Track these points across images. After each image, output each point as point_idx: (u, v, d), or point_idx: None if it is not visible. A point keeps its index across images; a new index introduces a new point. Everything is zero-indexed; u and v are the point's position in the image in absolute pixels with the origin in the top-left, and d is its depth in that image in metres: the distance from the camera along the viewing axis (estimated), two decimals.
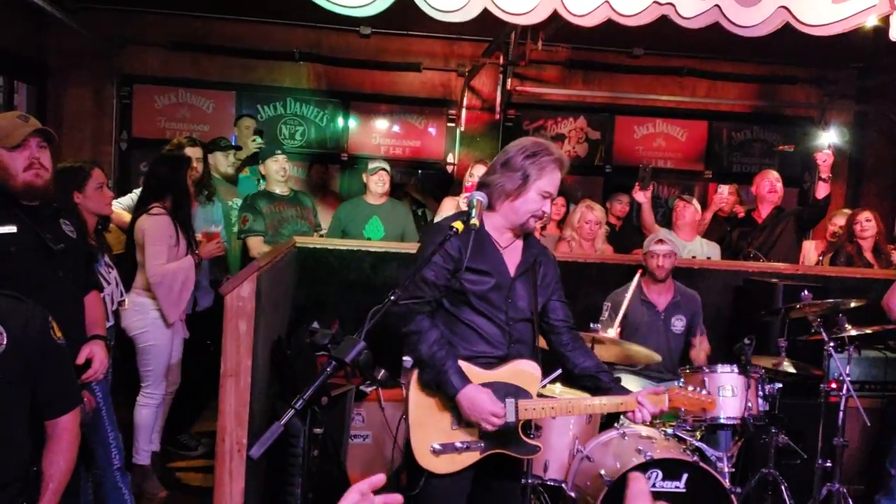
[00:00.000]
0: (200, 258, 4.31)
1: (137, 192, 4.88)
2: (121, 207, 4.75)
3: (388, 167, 5.34)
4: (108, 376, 3.22)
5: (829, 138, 5.70)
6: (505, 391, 2.63)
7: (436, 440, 2.60)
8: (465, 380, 2.56)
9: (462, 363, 2.62)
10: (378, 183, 5.27)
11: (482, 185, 2.76)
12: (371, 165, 5.34)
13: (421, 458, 2.60)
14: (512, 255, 2.75)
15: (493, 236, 2.73)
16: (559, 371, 3.40)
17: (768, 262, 5.21)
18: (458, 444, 2.61)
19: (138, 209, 4.26)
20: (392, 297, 2.17)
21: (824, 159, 5.09)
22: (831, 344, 3.80)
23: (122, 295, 3.92)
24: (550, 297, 2.83)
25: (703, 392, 2.93)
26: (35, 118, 2.92)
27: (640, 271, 4.39)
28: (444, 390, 2.57)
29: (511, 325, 2.71)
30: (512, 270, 2.73)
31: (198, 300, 4.70)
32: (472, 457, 2.64)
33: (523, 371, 2.69)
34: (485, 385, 2.60)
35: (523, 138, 2.81)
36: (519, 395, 2.64)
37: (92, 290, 3.18)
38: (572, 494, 3.56)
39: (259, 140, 5.87)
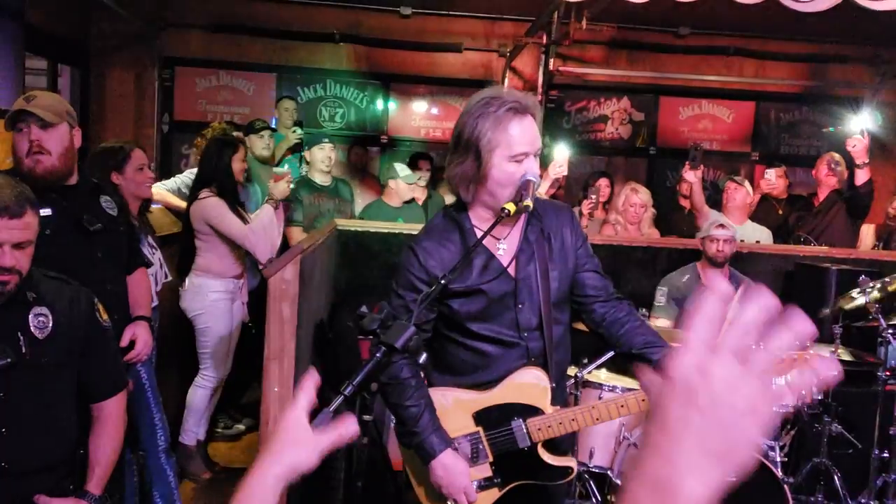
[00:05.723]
0: (277, 202, 4.27)
1: (182, 175, 4.92)
2: (165, 189, 4.77)
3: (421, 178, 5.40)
4: (152, 357, 3.22)
5: (860, 123, 5.45)
6: (510, 413, 2.17)
7: None
8: (445, 441, 2.12)
9: (447, 391, 2.20)
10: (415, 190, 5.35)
11: (448, 181, 2.23)
12: (403, 173, 5.26)
13: None
14: (511, 246, 2.19)
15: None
16: (611, 353, 3.17)
17: (818, 246, 5.05)
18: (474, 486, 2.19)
19: (191, 196, 4.30)
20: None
21: (854, 145, 4.86)
22: (889, 331, 3.67)
23: (166, 276, 3.93)
24: (576, 268, 2.25)
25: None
26: (68, 99, 2.84)
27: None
28: (419, 454, 2.13)
29: (527, 338, 2.19)
30: (513, 269, 2.18)
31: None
32: (492, 495, 2.21)
33: (524, 384, 2.17)
34: (484, 410, 2.18)
35: (472, 98, 2.16)
36: (527, 413, 2.17)
37: (137, 267, 3.15)
38: (618, 482, 3.50)
39: (299, 131, 5.84)
